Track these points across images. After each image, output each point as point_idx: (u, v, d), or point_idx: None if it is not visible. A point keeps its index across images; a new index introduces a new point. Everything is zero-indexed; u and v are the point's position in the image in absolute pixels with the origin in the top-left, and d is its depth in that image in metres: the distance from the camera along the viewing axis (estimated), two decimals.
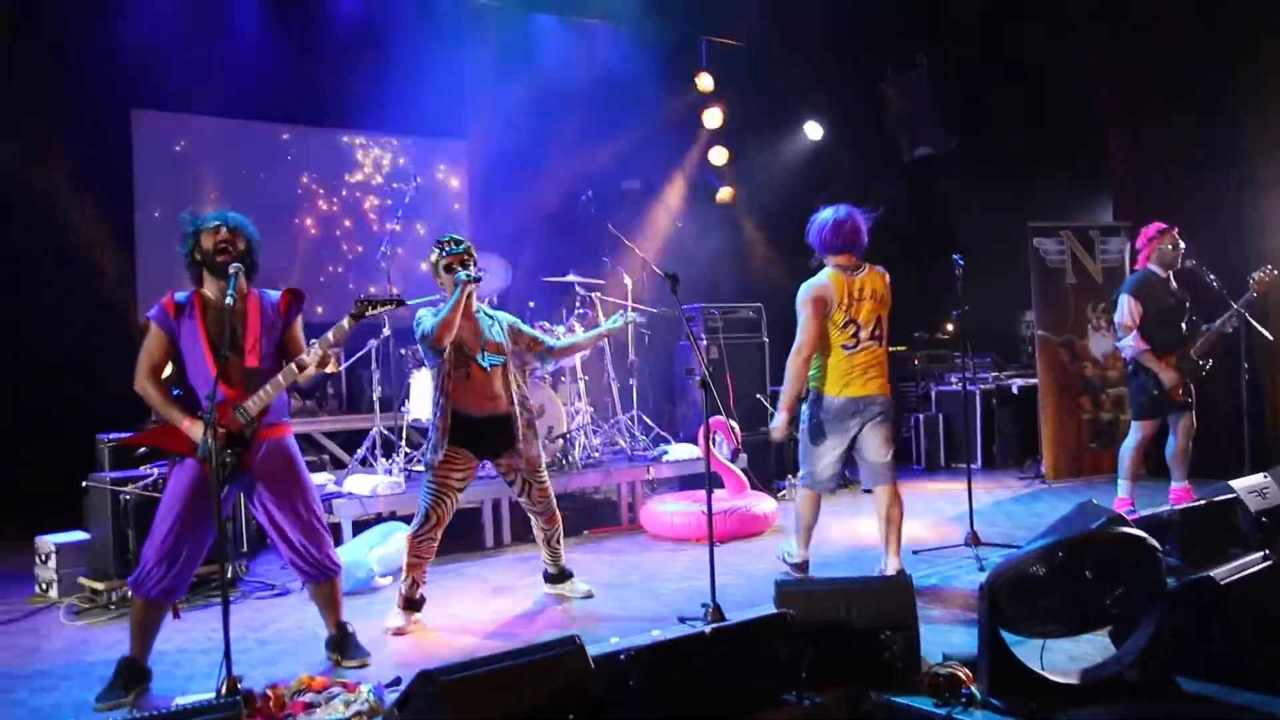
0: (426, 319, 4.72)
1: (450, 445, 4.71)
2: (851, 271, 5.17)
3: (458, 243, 4.85)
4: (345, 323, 3.95)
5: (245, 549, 5.96)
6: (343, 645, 4.20)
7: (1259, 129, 7.93)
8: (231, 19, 8.07)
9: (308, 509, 4.06)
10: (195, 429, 3.74)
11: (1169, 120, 8.37)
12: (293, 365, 3.85)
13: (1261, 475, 5.08)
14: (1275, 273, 6.31)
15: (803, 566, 5.32)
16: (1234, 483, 4.91)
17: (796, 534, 5.30)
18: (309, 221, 9.44)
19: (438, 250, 4.85)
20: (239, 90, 8.33)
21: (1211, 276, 6.45)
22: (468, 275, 4.63)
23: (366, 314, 3.97)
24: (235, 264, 3.82)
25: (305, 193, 9.47)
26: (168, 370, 3.98)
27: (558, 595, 5.20)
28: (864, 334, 5.07)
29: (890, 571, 4.97)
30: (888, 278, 5.26)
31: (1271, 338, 6.61)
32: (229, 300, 3.74)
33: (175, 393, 3.92)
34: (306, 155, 9.50)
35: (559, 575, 5.23)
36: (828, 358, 5.06)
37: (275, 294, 4.12)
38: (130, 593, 3.95)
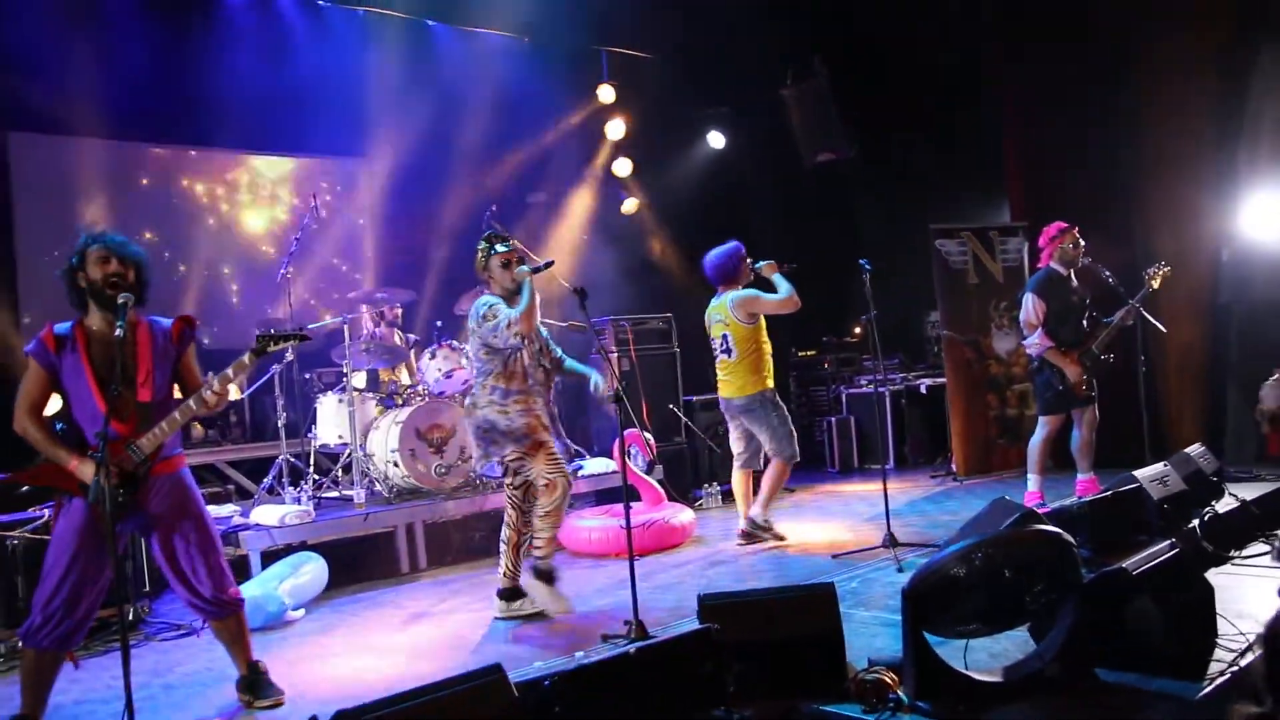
0: (502, 308, 4.91)
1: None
2: (715, 298, 6.50)
3: (504, 240, 5.17)
4: (246, 358, 3.78)
5: (147, 588, 5.70)
6: (254, 685, 4.02)
7: (1145, 130, 8.19)
8: (112, 36, 7.69)
9: (205, 545, 3.88)
10: (85, 468, 3.54)
11: (1060, 122, 8.60)
12: (189, 403, 3.67)
13: (1161, 464, 5.22)
14: (1167, 269, 6.51)
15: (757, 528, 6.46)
16: (1137, 473, 5.03)
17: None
18: (201, 244, 9.10)
19: (486, 250, 5.13)
20: (123, 110, 7.96)
21: (1108, 274, 6.63)
22: (545, 264, 5.07)
23: (269, 349, 3.82)
24: (125, 294, 3.63)
25: (196, 215, 9.13)
26: (57, 405, 3.77)
27: (507, 616, 5.10)
28: (717, 348, 6.51)
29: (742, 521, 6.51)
30: (730, 301, 6.33)
31: (1165, 330, 6.82)
32: (119, 333, 3.53)
33: (59, 427, 3.71)
34: (197, 176, 9.17)
35: (512, 592, 5.17)
36: None
37: (166, 322, 3.93)
38: (21, 644, 3.71)
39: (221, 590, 3.92)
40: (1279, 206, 7.48)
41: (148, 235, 8.50)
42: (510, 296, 5.04)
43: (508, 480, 5.18)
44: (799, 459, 6.52)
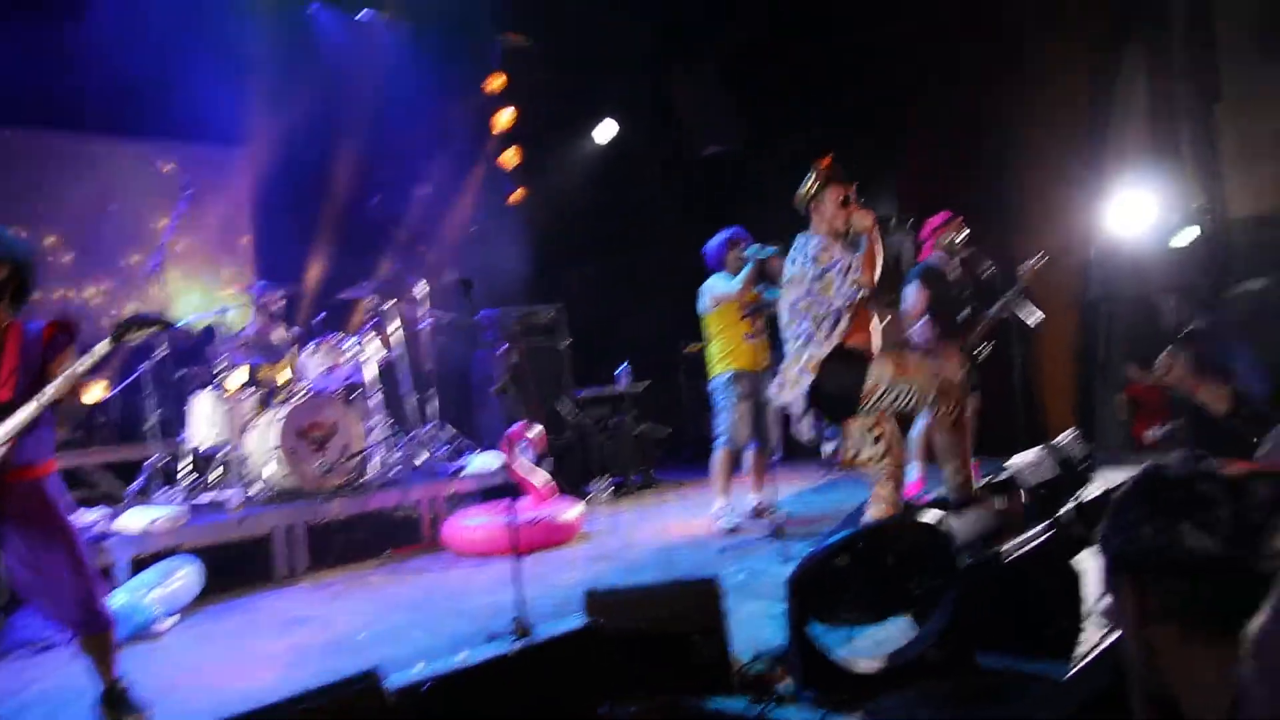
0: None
1: None
2: None
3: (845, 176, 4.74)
4: (100, 347, 3.53)
5: (3, 601, 5.38)
6: (117, 701, 3.80)
7: (1021, 129, 8.46)
8: None
9: (72, 557, 3.64)
10: None
11: (942, 119, 8.82)
12: (35, 400, 3.44)
13: (1036, 450, 5.37)
14: (1045, 259, 6.69)
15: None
16: (1011, 460, 5.16)
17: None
18: (64, 237, 8.63)
19: (823, 179, 4.69)
20: None
21: (988, 264, 6.79)
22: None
23: (127, 338, 3.59)
24: None
25: (59, 205, 8.63)
26: None
27: None
28: None
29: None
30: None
31: (1032, 324, 7.01)
32: None
33: None
34: (63, 164, 8.66)
35: None
36: None
37: (39, 324, 3.69)
38: None
39: (90, 605, 3.70)
40: (1141, 205, 7.77)
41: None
42: (838, 237, 4.64)
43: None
44: (733, 445, 6.54)
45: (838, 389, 4.50)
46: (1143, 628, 1.38)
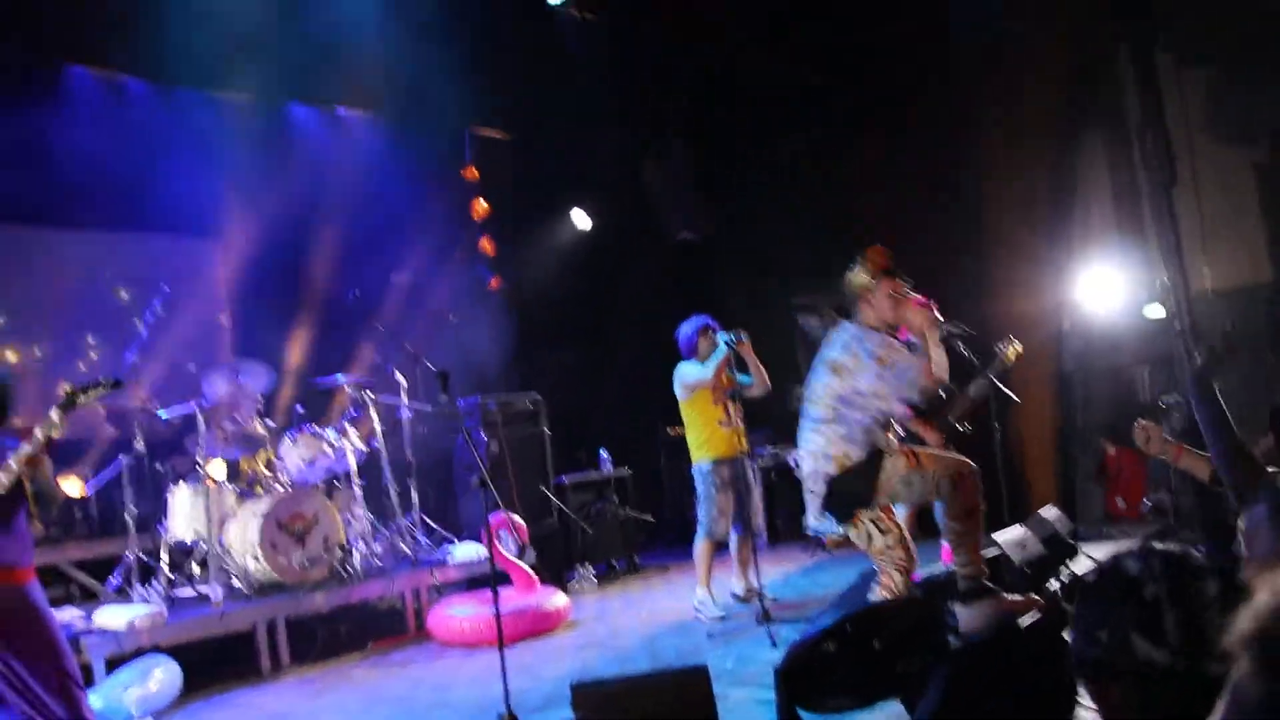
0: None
1: None
2: None
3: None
4: (54, 415, 3.53)
5: None
6: None
7: (985, 208, 8.65)
8: None
9: (56, 666, 3.57)
10: None
11: (907, 200, 9.01)
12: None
13: (1019, 527, 5.40)
14: (1018, 346, 6.77)
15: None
16: (996, 536, 5.18)
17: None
18: (47, 333, 8.59)
19: (876, 271, 4.58)
20: None
21: (964, 348, 6.88)
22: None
23: (78, 402, 3.60)
24: None
25: (34, 298, 8.60)
26: None
27: None
28: None
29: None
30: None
31: (1019, 401, 7.08)
32: None
33: None
34: (36, 257, 8.65)
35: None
36: None
37: (15, 440, 3.67)
38: None
39: (76, 715, 3.62)
40: (1109, 280, 7.95)
41: None
42: (888, 331, 4.54)
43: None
44: (713, 538, 6.48)
45: (852, 483, 4.42)
46: None
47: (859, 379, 4.43)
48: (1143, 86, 8.18)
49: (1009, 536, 5.22)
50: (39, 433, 3.47)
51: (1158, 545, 1.49)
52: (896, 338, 4.56)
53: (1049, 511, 5.79)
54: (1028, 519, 5.61)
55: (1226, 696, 1.17)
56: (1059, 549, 5.46)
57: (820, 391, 4.61)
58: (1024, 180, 8.49)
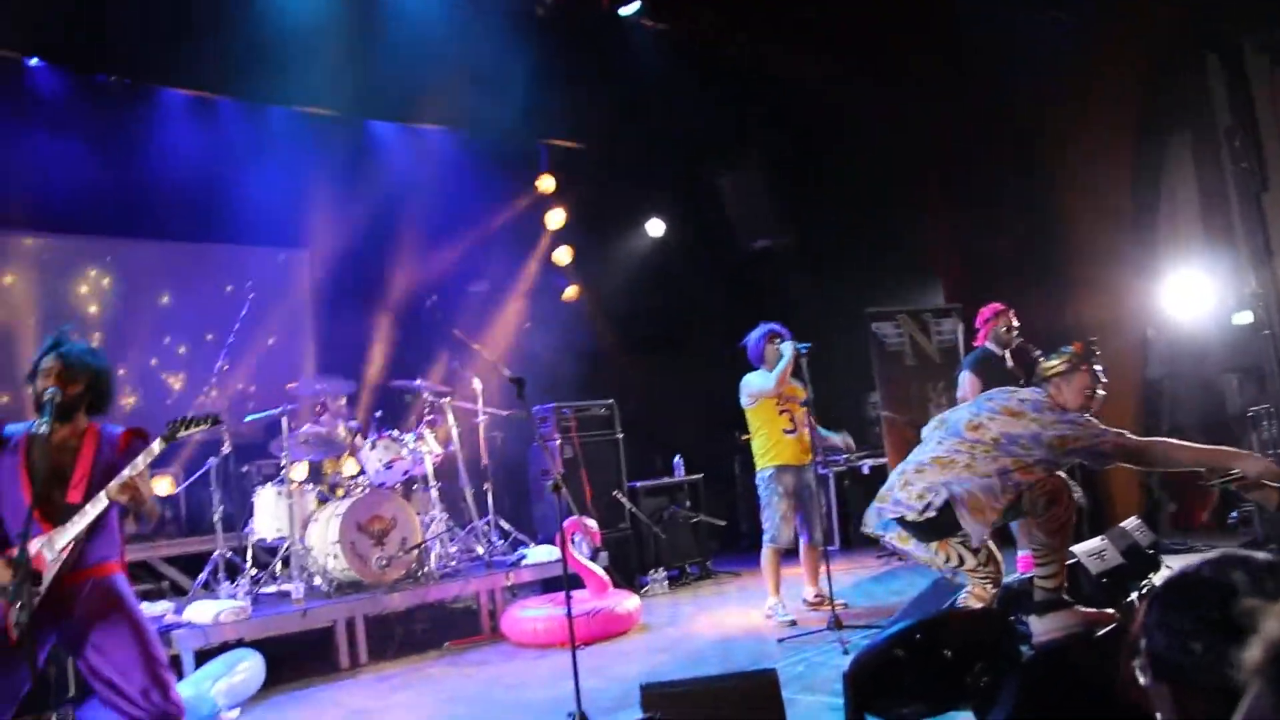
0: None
1: None
2: None
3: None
4: (155, 446, 3.68)
5: (72, 693, 5.47)
6: None
7: (1065, 215, 8.51)
8: (45, 129, 7.64)
9: (145, 652, 3.70)
10: (3, 571, 3.41)
11: (986, 207, 8.91)
12: (101, 494, 3.55)
13: (1099, 539, 5.29)
14: (1095, 344, 6.66)
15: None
16: (1075, 548, 5.08)
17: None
18: (141, 340, 8.94)
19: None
20: (57, 205, 7.88)
21: (1039, 353, 6.78)
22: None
23: (179, 435, 3.74)
24: (51, 389, 3.55)
25: (135, 309, 8.97)
26: None
27: None
28: None
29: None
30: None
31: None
32: (43, 429, 3.45)
33: None
34: (133, 269, 9.03)
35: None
36: None
37: (117, 430, 3.84)
38: None
39: (162, 700, 3.75)
40: (1196, 286, 7.75)
41: (90, 332, 8.35)
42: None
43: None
44: (777, 544, 6.52)
45: (951, 513, 4.29)
46: None
47: (1018, 428, 4.36)
48: (1232, 87, 7.97)
49: (1086, 547, 5.12)
50: (141, 461, 3.62)
51: (1260, 556, 1.46)
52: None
53: (1130, 523, 5.67)
54: (1108, 530, 5.50)
55: (1239, 717, 1.18)
56: (1139, 561, 5.34)
57: (960, 427, 4.52)
58: (1108, 183, 8.33)
